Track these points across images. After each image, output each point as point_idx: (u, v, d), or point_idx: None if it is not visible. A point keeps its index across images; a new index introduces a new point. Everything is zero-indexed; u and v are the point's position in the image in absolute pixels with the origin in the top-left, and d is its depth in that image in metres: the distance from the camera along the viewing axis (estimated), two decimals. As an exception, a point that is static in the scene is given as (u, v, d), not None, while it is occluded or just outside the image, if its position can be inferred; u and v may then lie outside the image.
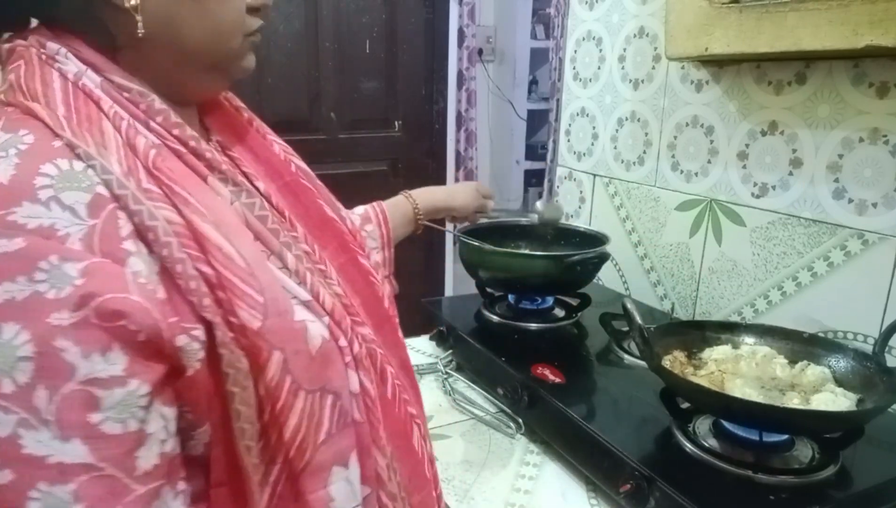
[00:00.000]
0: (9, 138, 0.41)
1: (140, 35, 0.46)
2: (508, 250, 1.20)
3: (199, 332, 0.44)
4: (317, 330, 0.49)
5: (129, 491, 0.41)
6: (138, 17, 0.46)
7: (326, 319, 0.50)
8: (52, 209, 0.39)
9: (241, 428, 0.45)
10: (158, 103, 0.48)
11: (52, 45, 0.47)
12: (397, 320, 0.64)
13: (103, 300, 0.39)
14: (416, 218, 0.98)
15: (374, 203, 0.94)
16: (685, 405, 0.84)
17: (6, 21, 0.49)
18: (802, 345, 0.88)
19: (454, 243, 1.27)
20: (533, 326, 1.17)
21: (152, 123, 0.47)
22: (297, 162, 0.63)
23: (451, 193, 1.05)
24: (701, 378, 0.83)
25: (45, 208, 0.39)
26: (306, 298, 0.50)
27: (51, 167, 0.41)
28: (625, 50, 1.32)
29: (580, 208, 1.50)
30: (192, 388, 0.44)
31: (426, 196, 1.00)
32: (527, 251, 1.27)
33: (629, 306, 0.87)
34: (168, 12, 0.48)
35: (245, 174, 0.56)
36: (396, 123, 2.95)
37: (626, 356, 1.03)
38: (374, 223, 0.90)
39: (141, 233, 0.42)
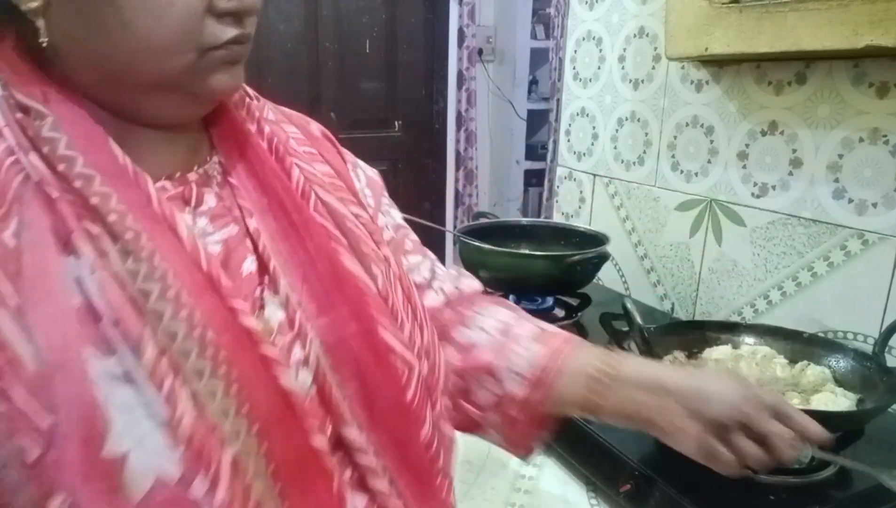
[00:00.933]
0: None
1: (43, 45, 0.39)
2: (508, 250, 1.20)
3: None
4: (152, 466, 0.35)
5: None
6: (39, 24, 0.38)
7: (181, 449, 0.36)
8: None
9: None
10: (48, 129, 0.39)
11: None
12: (426, 412, 0.49)
13: None
14: (587, 399, 0.57)
15: (569, 337, 0.62)
16: (685, 405, 0.84)
17: None
18: (802, 345, 0.88)
19: (454, 244, 1.22)
20: (533, 326, 1.17)
21: (33, 155, 0.38)
22: (324, 195, 0.49)
23: (689, 378, 0.56)
24: (701, 378, 0.83)
25: None
26: (162, 415, 0.36)
27: None
28: (625, 50, 1.32)
29: (580, 207, 1.50)
30: None
31: (639, 364, 0.59)
32: (527, 251, 1.27)
33: (629, 306, 0.87)
34: (81, 20, 0.39)
35: (241, 208, 0.47)
36: (396, 123, 2.96)
37: (626, 356, 1.03)
38: (545, 347, 0.59)
39: None
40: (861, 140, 0.93)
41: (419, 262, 0.63)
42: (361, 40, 2.76)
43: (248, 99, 0.52)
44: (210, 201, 0.47)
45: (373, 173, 0.63)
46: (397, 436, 0.47)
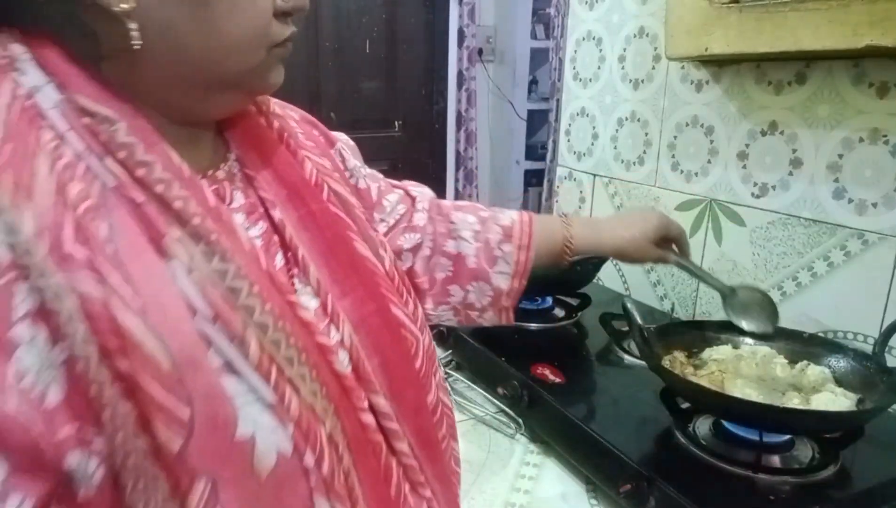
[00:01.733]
0: None
1: (136, 47, 0.38)
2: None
3: (103, 441, 0.35)
4: (272, 445, 0.38)
5: None
6: (131, 26, 0.38)
7: (291, 428, 0.39)
8: None
9: None
10: (123, 134, 0.39)
11: (17, 48, 0.39)
12: (430, 377, 0.55)
13: None
14: (563, 253, 0.76)
15: (526, 217, 0.76)
16: (685, 405, 0.84)
17: None
18: (802, 345, 0.88)
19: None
20: (533, 326, 1.17)
21: (109, 161, 0.38)
22: (335, 186, 0.53)
23: (620, 238, 0.78)
24: (701, 378, 0.83)
25: None
26: (269, 400, 0.39)
27: None
28: (625, 50, 1.32)
29: (580, 208, 1.50)
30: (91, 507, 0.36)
31: (586, 232, 0.77)
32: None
33: (629, 306, 0.87)
34: (168, 20, 0.39)
35: (261, 200, 0.49)
36: (396, 123, 2.96)
37: (626, 356, 1.03)
38: (514, 245, 0.73)
39: (45, 313, 0.34)
40: (861, 140, 0.93)
41: (397, 198, 0.71)
42: (361, 40, 2.77)
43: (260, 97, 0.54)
44: (239, 197, 0.48)
45: (347, 139, 0.67)
46: (411, 404, 0.51)
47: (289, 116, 0.58)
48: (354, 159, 0.65)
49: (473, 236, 0.73)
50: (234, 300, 0.39)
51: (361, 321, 0.49)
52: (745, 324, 0.84)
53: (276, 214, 0.49)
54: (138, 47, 0.38)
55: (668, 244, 0.83)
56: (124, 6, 0.37)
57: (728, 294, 0.84)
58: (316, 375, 0.42)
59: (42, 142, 0.37)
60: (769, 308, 0.84)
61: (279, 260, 0.48)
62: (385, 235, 0.67)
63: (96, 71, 0.40)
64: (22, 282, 0.33)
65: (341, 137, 0.65)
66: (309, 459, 0.40)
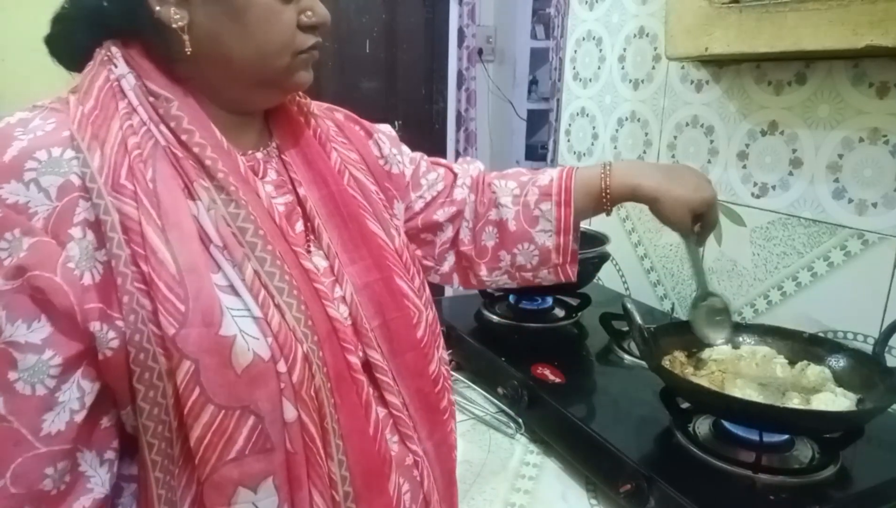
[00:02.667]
0: (38, 124, 0.49)
1: (188, 53, 0.52)
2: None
3: (122, 323, 0.47)
4: (249, 346, 0.48)
5: (30, 447, 0.46)
6: (185, 37, 0.51)
7: (270, 339, 0.49)
8: (30, 190, 0.46)
9: (145, 425, 0.48)
10: (175, 110, 0.52)
11: (115, 50, 0.53)
12: (433, 349, 0.61)
13: (32, 275, 0.45)
14: (601, 198, 0.76)
15: (565, 172, 0.78)
16: (685, 405, 0.84)
17: (95, 33, 0.54)
18: (802, 345, 0.88)
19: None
20: (533, 326, 1.17)
21: (163, 127, 0.52)
22: (356, 173, 0.64)
23: (660, 187, 0.75)
24: (701, 378, 0.83)
25: (24, 188, 0.46)
26: (256, 314, 0.49)
27: (43, 153, 0.47)
28: (625, 50, 1.32)
29: (580, 208, 1.49)
30: (108, 371, 0.48)
31: (625, 179, 0.76)
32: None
33: (629, 306, 0.87)
34: (214, 33, 0.52)
35: (291, 179, 0.60)
36: (396, 123, 2.95)
37: (626, 356, 1.03)
38: (553, 202, 0.76)
39: (96, 223, 0.47)
40: (861, 140, 0.93)
41: (437, 176, 0.79)
42: (361, 40, 2.76)
43: (297, 97, 0.65)
44: (271, 174, 0.59)
45: (388, 130, 0.76)
46: (411, 368, 0.59)
47: (332, 116, 0.69)
48: (393, 147, 0.74)
49: (512, 201, 0.78)
50: (241, 237, 0.51)
51: (365, 285, 0.58)
52: (706, 332, 0.87)
53: (302, 191, 0.59)
54: (190, 52, 0.52)
55: (695, 223, 0.78)
56: (180, 23, 0.51)
57: (703, 298, 0.86)
58: (304, 308, 0.51)
59: (119, 109, 0.51)
60: (728, 322, 0.87)
61: (299, 227, 0.58)
62: (423, 210, 0.77)
63: (165, 67, 0.53)
64: (84, 200, 0.47)
65: (383, 129, 0.75)
66: (281, 366, 0.49)
